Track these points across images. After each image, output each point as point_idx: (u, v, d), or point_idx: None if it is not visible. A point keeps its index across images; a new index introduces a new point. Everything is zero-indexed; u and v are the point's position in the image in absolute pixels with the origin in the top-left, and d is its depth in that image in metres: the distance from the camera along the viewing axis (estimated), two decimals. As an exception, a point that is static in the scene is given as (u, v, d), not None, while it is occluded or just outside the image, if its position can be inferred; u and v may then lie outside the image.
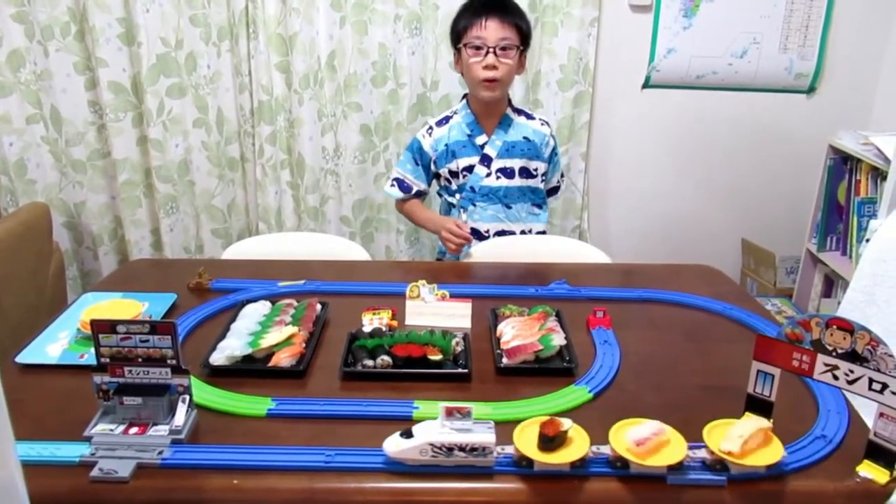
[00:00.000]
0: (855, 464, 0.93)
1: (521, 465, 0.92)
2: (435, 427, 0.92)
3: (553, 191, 2.08)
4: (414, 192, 1.96)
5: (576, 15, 2.33)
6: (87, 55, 2.28)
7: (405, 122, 2.42)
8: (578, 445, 0.93)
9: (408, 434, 0.92)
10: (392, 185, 1.97)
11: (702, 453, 0.94)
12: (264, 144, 2.42)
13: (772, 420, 1.01)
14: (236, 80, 2.40)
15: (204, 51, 2.33)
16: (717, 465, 0.92)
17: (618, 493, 0.91)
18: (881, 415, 0.90)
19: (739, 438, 0.92)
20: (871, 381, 0.89)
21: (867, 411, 1.00)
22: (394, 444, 0.92)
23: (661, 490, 0.91)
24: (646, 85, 2.51)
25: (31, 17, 2.21)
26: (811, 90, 2.51)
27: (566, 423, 0.94)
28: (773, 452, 0.93)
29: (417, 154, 1.94)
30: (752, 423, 0.94)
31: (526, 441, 0.93)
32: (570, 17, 2.33)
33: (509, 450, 0.93)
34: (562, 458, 0.91)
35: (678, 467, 0.92)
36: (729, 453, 0.91)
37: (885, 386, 0.88)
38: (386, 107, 2.42)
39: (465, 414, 0.92)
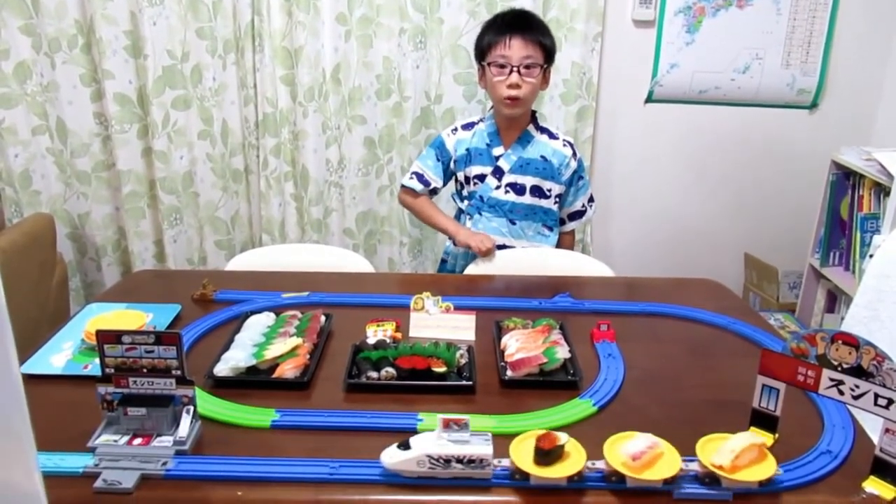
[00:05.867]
0: (861, 479, 0.93)
1: (517, 479, 0.92)
2: (432, 438, 0.92)
3: (577, 215, 2.02)
4: (431, 187, 1.97)
5: (579, 30, 2.34)
6: (93, 67, 2.29)
7: (409, 134, 2.43)
8: (575, 460, 0.93)
9: (405, 446, 0.92)
10: (412, 178, 1.97)
11: (694, 466, 0.93)
12: (268, 156, 2.43)
13: (777, 436, 1.01)
14: (241, 93, 2.41)
15: (210, 63, 2.34)
16: (707, 478, 0.92)
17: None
18: (887, 430, 0.90)
19: (731, 453, 0.91)
20: (876, 396, 0.89)
21: (872, 426, 0.99)
22: (391, 456, 0.92)
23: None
24: (648, 99, 2.52)
25: (39, 30, 2.23)
26: (813, 106, 2.52)
27: (563, 437, 0.93)
28: (767, 468, 0.92)
29: (439, 151, 1.96)
30: (746, 438, 0.94)
31: (522, 454, 0.93)
32: (573, 32, 2.35)
33: (506, 462, 0.93)
34: (558, 472, 0.91)
35: (672, 481, 0.91)
36: (720, 467, 0.91)
37: (890, 401, 0.88)
38: (390, 120, 2.44)
39: (463, 426, 0.91)
